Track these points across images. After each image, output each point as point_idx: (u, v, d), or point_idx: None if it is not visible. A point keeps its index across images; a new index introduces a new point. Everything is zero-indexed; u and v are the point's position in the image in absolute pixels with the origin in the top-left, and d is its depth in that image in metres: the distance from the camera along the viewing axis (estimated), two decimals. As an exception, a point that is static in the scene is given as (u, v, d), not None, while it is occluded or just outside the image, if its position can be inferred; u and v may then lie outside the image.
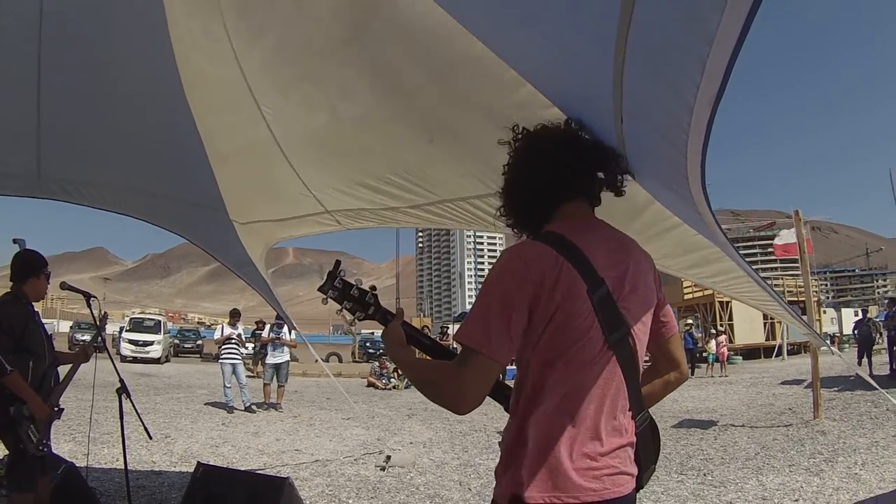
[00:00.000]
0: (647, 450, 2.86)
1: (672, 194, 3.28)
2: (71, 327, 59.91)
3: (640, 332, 2.78)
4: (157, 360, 41.52)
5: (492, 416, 17.92)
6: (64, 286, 6.53)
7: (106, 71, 6.47)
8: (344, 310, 3.18)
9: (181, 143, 6.99)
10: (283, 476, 7.43)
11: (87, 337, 39.60)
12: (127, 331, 44.12)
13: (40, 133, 6.99)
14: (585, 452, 2.55)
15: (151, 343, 42.20)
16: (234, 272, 8.95)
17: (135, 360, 39.69)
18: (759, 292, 5.92)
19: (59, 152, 7.32)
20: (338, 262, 3.26)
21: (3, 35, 6.26)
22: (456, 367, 2.52)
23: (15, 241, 6.63)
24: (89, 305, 6.65)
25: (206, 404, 19.89)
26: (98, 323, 6.67)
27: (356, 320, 3.22)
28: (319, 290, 3.18)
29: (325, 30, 4.69)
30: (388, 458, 11.62)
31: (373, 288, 3.24)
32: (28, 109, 6.66)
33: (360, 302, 3.15)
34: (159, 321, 48.13)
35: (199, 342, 56.95)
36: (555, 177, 2.85)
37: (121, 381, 6.39)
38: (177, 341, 54.82)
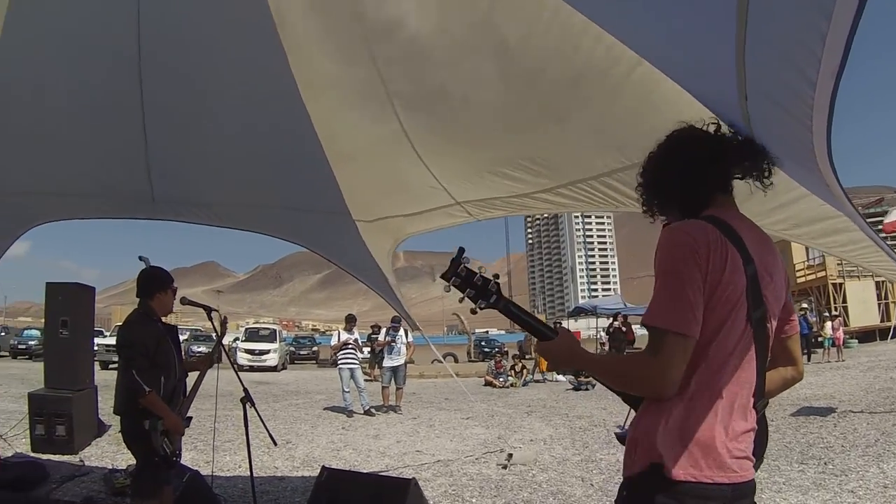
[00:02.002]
0: (761, 438, 2.84)
1: (799, 167, 3.27)
2: (186, 340, 61.44)
3: (773, 321, 2.78)
4: (273, 368, 42.25)
5: (610, 411, 17.92)
6: (184, 301, 6.69)
7: (209, 90, 6.63)
8: (466, 297, 3.18)
9: (296, 150, 7.09)
10: (407, 477, 7.46)
11: (203, 348, 40.49)
12: (242, 341, 45.03)
13: (148, 157, 7.22)
14: (731, 432, 2.56)
15: (268, 352, 42.89)
16: (354, 275, 9.02)
17: (251, 369, 40.39)
18: (889, 262, 5.73)
19: (168, 175, 7.54)
20: (461, 250, 3.25)
21: (104, 66, 6.47)
22: (650, 353, 2.53)
23: (140, 258, 6.79)
24: (210, 318, 6.77)
25: (324, 409, 20.06)
26: (220, 333, 6.78)
27: (478, 308, 3.19)
28: (442, 277, 3.20)
29: (458, 18, 4.74)
30: (510, 455, 11.59)
31: (496, 276, 3.22)
32: (135, 136, 6.88)
33: (482, 290, 3.15)
34: (274, 330, 48.98)
35: (315, 349, 57.52)
36: (715, 172, 2.90)
37: (245, 390, 6.50)
38: (292, 349, 55.46)
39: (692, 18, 2.81)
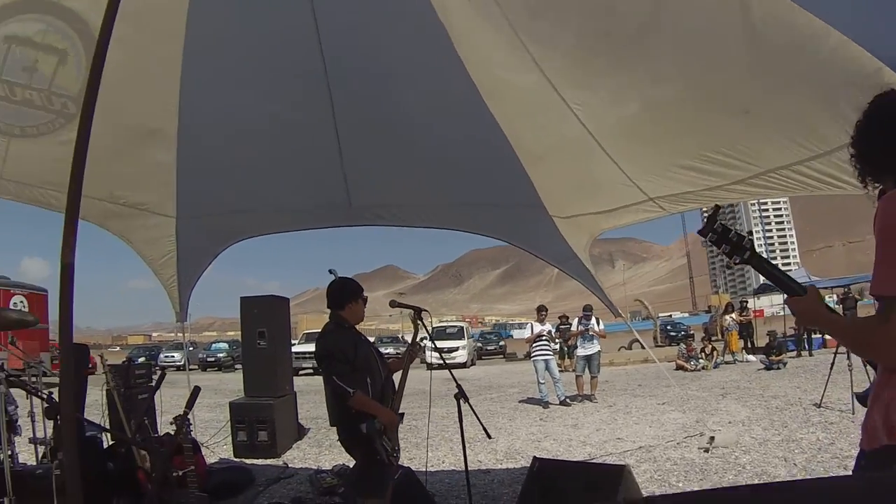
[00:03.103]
0: None
1: None
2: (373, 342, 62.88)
3: None
4: (463, 365, 42.46)
5: (804, 389, 17.59)
6: (393, 304, 6.81)
7: (394, 96, 6.82)
8: (722, 254, 3.21)
9: (487, 151, 7.18)
10: (620, 464, 7.35)
11: (390, 349, 41.45)
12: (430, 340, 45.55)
13: (344, 166, 7.45)
14: None
15: (457, 349, 43.23)
16: (556, 266, 9.06)
17: (441, 367, 40.51)
18: None
19: (364, 181, 7.84)
20: (717, 207, 3.36)
21: (294, 84, 6.70)
22: (880, 321, 2.50)
23: (330, 271, 6.94)
24: (420, 318, 6.88)
25: (520, 402, 20.17)
26: (430, 333, 6.89)
27: (732, 263, 3.24)
28: (699, 233, 3.27)
29: (622, 19, 4.71)
30: (712, 438, 11.34)
31: (749, 233, 3.23)
32: (330, 145, 7.14)
33: (737, 246, 3.17)
34: (462, 327, 49.67)
35: (502, 343, 57.83)
36: None
37: (458, 386, 6.59)
38: (479, 344, 55.65)
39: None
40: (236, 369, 49.23)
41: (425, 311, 6.95)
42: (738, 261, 3.19)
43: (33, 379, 7.23)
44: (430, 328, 6.94)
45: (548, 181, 7.43)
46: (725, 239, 3.16)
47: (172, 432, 6.70)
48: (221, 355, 54.05)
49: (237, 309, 13.70)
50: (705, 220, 3.25)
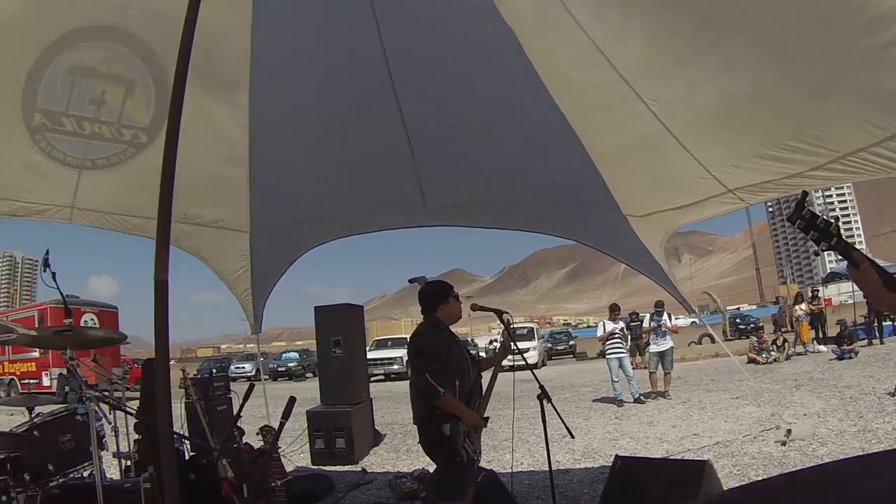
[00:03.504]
0: None
1: None
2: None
3: None
4: (534, 366, 42.39)
5: (878, 378, 17.42)
6: (475, 307, 6.82)
7: (464, 99, 6.91)
8: (810, 240, 3.24)
9: (558, 150, 7.23)
10: (701, 460, 7.35)
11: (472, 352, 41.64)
12: (501, 342, 45.37)
13: (417, 167, 7.58)
14: None
15: (527, 350, 43.12)
16: (629, 265, 9.02)
17: (511, 369, 40.51)
18: None
19: (437, 182, 7.91)
20: (805, 193, 3.44)
21: (362, 91, 6.84)
22: None
23: (412, 280, 7.05)
24: (502, 320, 6.91)
25: (594, 401, 20.19)
26: (510, 334, 6.88)
27: (820, 251, 3.31)
28: (788, 220, 3.31)
29: (684, 13, 4.74)
30: (789, 431, 11.26)
31: (836, 220, 3.33)
32: (401, 148, 7.28)
33: (825, 232, 3.22)
34: (532, 328, 49.37)
35: (571, 342, 57.45)
36: None
37: (541, 387, 6.56)
38: (549, 345, 55.38)
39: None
40: (307, 378, 49.58)
41: (507, 313, 6.96)
42: (825, 247, 3.24)
43: (117, 394, 7.42)
44: (511, 331, 6.92)
45: (622, 179, 7.43)
46: (813, 225, 3.20)
47: (261, 442, 6.82)
48: (292, 364, 54.46)
49: (305, 318, 14.07)
50: (793, 206, 3.28)
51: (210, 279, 10.25)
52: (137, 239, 7.99)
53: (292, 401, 5.95)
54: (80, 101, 6.50)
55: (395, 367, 41.45)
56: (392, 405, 21.74)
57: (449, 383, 6.05)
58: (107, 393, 7.20)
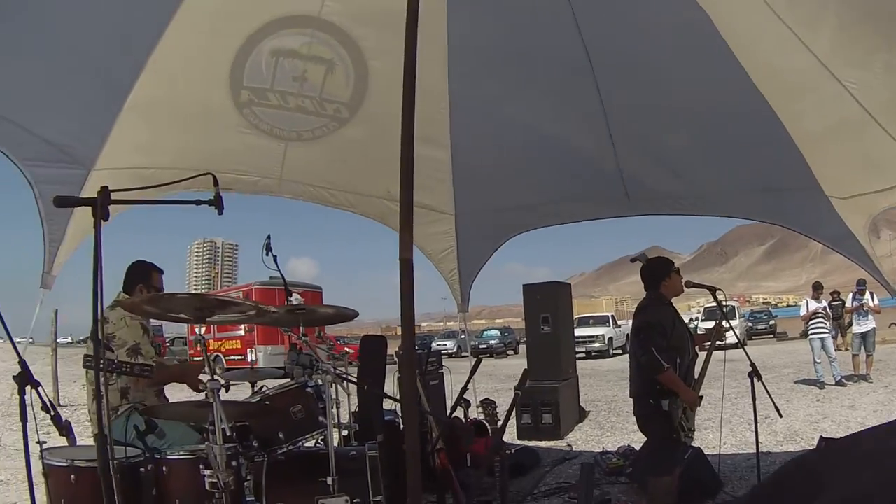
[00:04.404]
0: None
1: None
2: (692, 320, 62.04)
3: None
4: (735, 346, 41.34)
5: None
6: (689, 284, 6.92)
7: (663, 87, 7.14)
8: None
9: (760, 136, 7.23)
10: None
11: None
12: (702, 321, 44.62)
13: (618, 159, 7.93)
14: None
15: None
16: (832, 248, 8.85)
17: (719, 348, 39.59)
18: None
19: (638, 172, 8.24)
20: None
21: (562, 79, 7.02)
22: None
23: (634, 259, 7.22)
24: (715, 298, 7.09)
25: (795, 382, 19.74)
26: (723, 311, 7.07)
27: None
28: None
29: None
30: None
31: None
32: (602, 140, 7.46)
33: None
34: (733, 306, 48.23)
35: (772, 322, 56.09)
36: None
37: (752, 364, 6.75)
38: (749, 324, 54.22)
39: None
40: (508, 355, 49.94)
41: (720, 290, 7.10)
42: None
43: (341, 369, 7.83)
44: (724, 309, 7.02)
45: (826, 161, 7.33)
46: None
47: (480, 416, 7.09)
48: (494, 342, 55.29)
49: (506, 297, 14.34)
50: None
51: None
52: (332, 220, 8.42)
53: (526, 374, 6.19)
54: (283, 79, 7.10)
55: (597, 345, 41.85)
56: (595, 382, 21.85)
57: (671, 359, 6.15)
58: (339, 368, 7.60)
